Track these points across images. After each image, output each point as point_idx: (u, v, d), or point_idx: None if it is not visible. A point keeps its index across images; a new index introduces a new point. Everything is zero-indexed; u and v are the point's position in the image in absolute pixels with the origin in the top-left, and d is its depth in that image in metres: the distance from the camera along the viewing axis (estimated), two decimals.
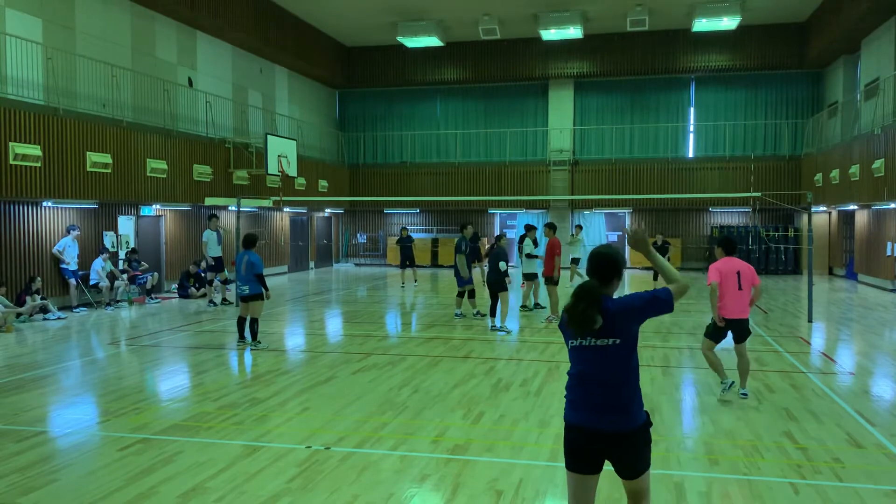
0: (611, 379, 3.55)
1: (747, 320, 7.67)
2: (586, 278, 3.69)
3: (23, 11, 14.46)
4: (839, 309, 15.40)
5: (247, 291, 10.69)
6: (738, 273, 7.45)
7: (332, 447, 6.10)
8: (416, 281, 20.47)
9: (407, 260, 20.01)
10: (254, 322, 10.78)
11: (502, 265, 12.25)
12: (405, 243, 20.09)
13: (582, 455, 3.59)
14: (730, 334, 7.68)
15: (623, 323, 3.53)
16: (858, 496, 5.08)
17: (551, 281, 13.57)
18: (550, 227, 13.78)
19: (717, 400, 7.66)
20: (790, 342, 11.30)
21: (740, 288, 7.46)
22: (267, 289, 10.81)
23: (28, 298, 13.53)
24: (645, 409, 3.66)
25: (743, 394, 7.70)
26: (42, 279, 14.44)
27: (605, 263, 3.64)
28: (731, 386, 7.63)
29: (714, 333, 7.70)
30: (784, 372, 9.13)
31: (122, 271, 16.53)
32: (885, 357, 10.16)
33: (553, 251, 13.49)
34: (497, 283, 12.33)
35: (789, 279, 22.93)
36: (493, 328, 12.30)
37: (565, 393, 3.73)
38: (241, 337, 10.95)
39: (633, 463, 3.59)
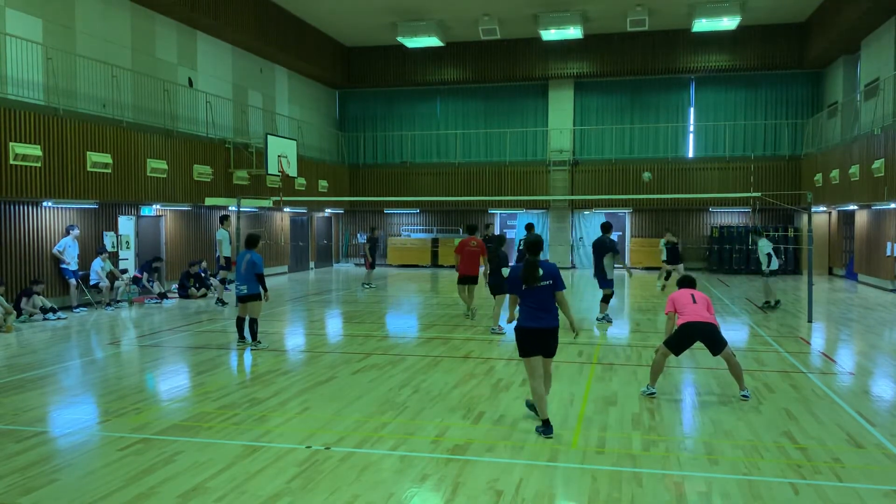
0: (547, 303, 6.60)
1: (715, 326, 7.66)
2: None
3: (23, 11, 14.46)
4: (839, 309, 15.40)
5: (245, 291, 10.68)
6: (692, 294, 7.90)
7: (332, 447, 6.11)
8: (370, 283, 20.20)
9: (373, 260, 19.70)
10: (253, 322, 10.78)
11: (505, 271, 12.20)
12: (375, 244, 19.82)
13: (535, 344, 6.59)
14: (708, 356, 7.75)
15: (549, 275, 6.59)
16: (858, 496, 5.08)
17: (475, 281, 13.68)
18: (470, 230, 13.87)
19: (641, 395, 7.87)
20: (790, 342, 11.31)
21: (695, 302, 7.79)
22: (266, 290, 10.81)
23: (26, 298, 13.47)
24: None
25: (744, 395, 7.69)
26: (41, 279, 14.43)
27: (538, 244, 6.70)
28: (650, 394, 7.82)
29: (674, 344, 7.73)
30: (784, 372, 9.13)
31: (123, 272, 16.54)
32: (885, 357, 10.16)
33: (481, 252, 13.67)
34: (498, 286, 12.33)
35: (789, 279, 22.92)
36: (494, 331, 12.29)
37: (521, 314, 6.63)
38: (241, 337, 10.95)
39: (554, 347, 6.74)
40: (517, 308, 6.77)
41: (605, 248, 12.95)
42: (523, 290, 6.58)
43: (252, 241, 10.85)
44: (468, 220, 28.58)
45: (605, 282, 13.06)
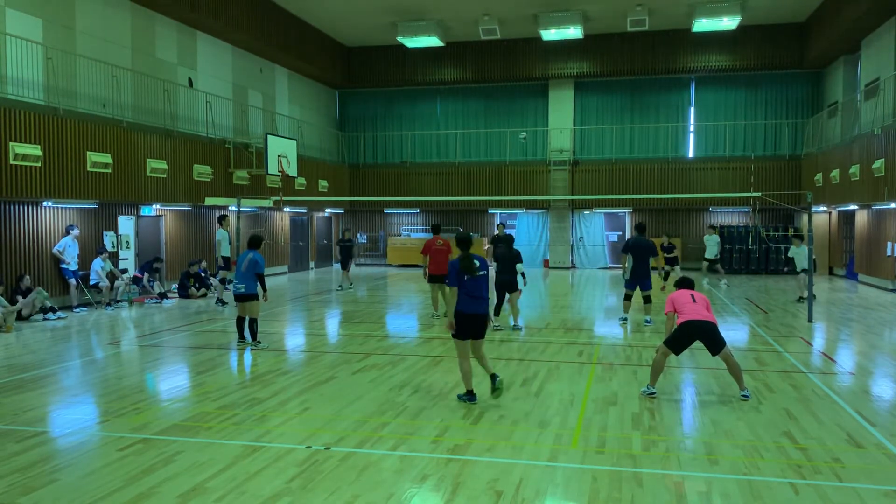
0: (484, 292, 7.46)
1: (715, 325, 7.68)
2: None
3: (23, 11, 14.46)
4: (839, 309, 15.40)
5: (242, 290, 10.65)
6: (692, 295, 7.98)
7: (332, 447, 6.11)
8: (350, 284, 19.98)
9: (345, 261, 19.56)
10: (253, 322, 10.78)
11: (519, 267, 12.10)
12: (345, 244, 19.64)
13: (472, 327, 7.41)
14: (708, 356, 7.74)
15: (484, 266, 7.48)
16: (858, 496, 5.08)
17: (444, 280, 13.51)
18: (435, 230, 14.01)
19: (641, 395, 7.87)
20: (790, 342, 11.30)
21: (694, 301, 7.86)
22: (265, 290, 10.82)
23: (19, 297, 13.44)
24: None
25: (744, 395, 7.69)
26: (41, 279, 14.44)
27: (469, 240, 7.64)
28: (650, 394, 7.82)
29: (674, 343, 7.74)
30: (784, 372, 9.13)
31: (123, 272, 16.52)
32: (885, 357, 10.16)
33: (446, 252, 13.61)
34: (511, 284, 12.25)
35: (789, 279, 22.90)
36: (496, 328, 12.28)
37: (462, 300, 7.33)
38: (241, 337, 10.95)
39: (485, 330, 7.55)
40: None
41: (650, 250, 12.87)
42: (465, 281, 7.31)
43: (255, 242, 10.87)
44: (466, 221, 28.68)
45: (648, 283, 12.95)
